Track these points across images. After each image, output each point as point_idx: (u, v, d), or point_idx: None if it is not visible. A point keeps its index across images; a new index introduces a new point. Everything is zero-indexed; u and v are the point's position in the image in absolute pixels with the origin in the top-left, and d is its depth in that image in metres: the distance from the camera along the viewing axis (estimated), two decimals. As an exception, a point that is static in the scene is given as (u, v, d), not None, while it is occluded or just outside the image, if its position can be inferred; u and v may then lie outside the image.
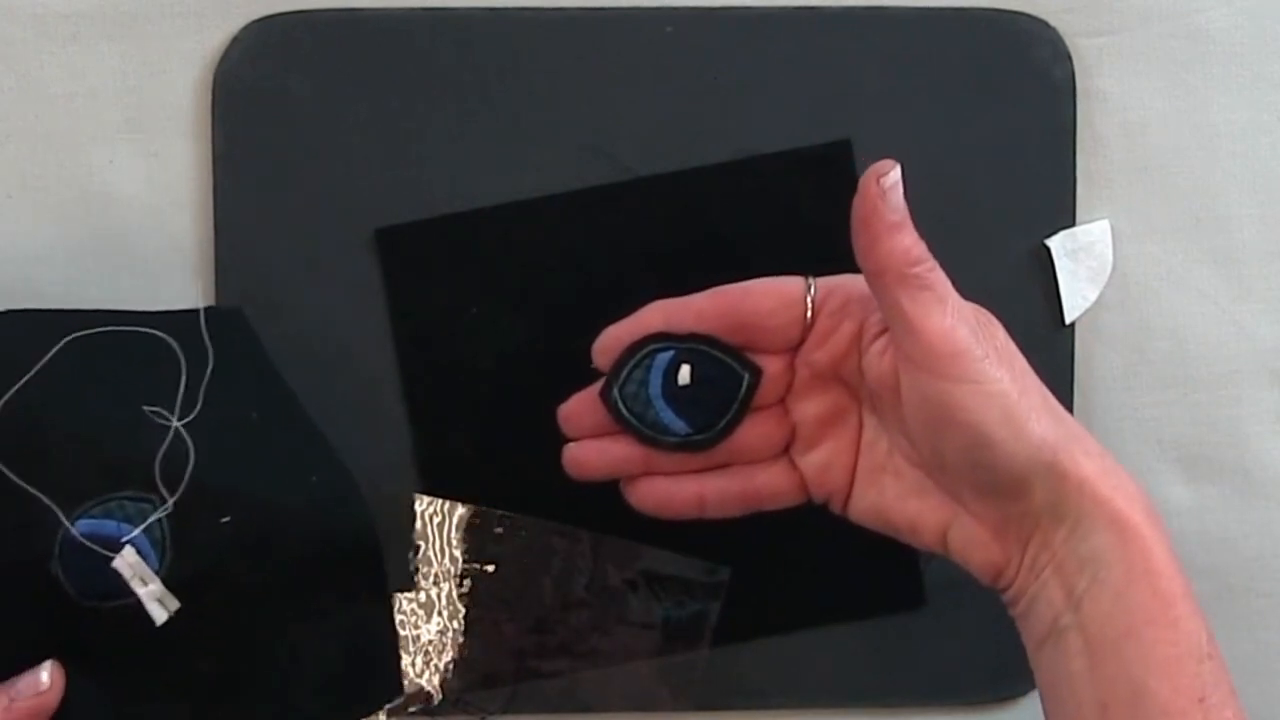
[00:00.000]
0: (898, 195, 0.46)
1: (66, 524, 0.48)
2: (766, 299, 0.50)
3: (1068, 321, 0.57)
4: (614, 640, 0.56)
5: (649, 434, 0.50)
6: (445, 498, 0.55)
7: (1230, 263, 0.57)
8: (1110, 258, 0.57)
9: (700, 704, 0.56)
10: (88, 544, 0.48)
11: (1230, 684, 0.45)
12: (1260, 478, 0.58)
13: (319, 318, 0.55)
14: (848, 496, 0.50)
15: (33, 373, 0.49)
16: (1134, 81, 0.57)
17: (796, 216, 0.55)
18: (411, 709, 0.55)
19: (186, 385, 0.51)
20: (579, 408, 0.51)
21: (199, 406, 0.50)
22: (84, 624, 0.49)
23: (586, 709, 0.56)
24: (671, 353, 0.50)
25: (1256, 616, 0.58)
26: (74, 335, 0.50)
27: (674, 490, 0.51)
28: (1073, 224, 0.57)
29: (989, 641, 0.56)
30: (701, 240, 0.55)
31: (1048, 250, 0.56)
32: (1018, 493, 0.46)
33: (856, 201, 0.46)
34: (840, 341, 0.49)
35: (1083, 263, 0.56)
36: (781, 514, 0.52)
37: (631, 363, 0.50)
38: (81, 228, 0.55)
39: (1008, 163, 0.56)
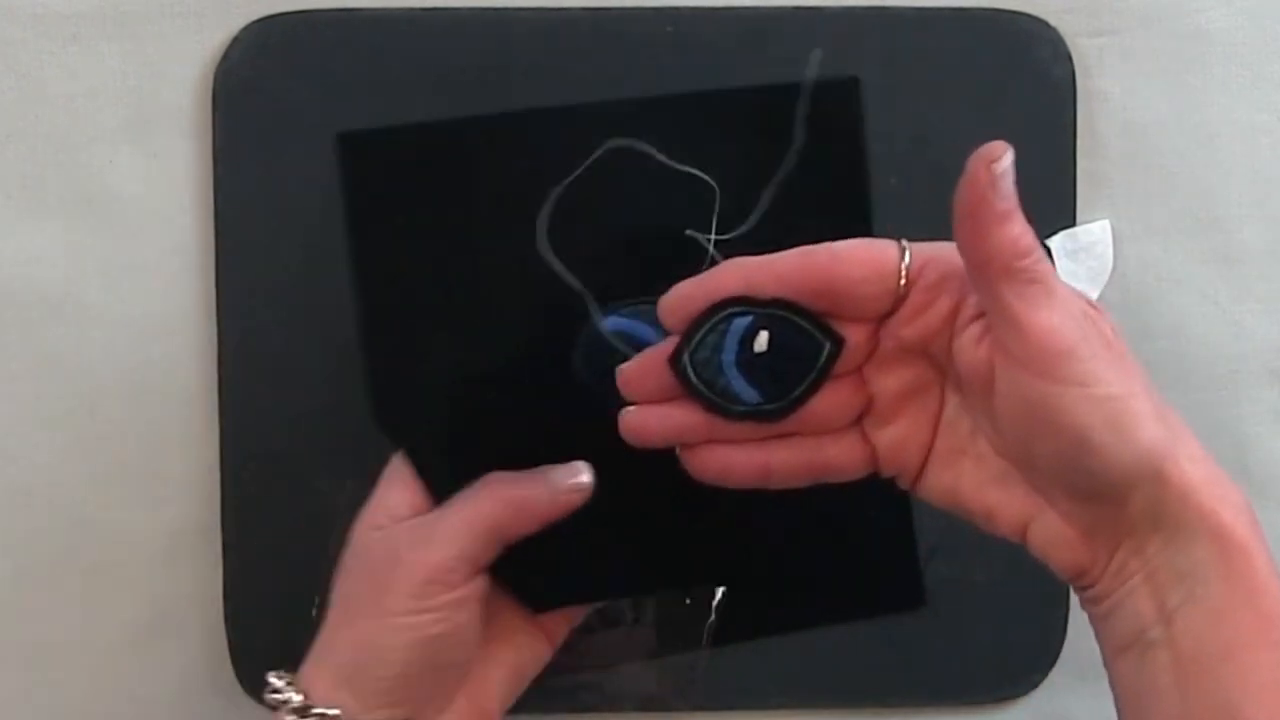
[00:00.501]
0: (1009, 182, 0.42)
1: (598, 316, 0.49)
2: (858, 266, 0.45)
3: (1068, 321, 0.56)
4: (614, 640, 0.56)
5: (718, 402, 0.47)
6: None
7: (1230, 263, 0.57)
8: (1110, 258, 0.57)
9: (700, 704, 0.56)
10: (613, 339, 0.48)
11: None
12: (1260, 478, 0.58)
13: (319, 318, 0.55)
14: (919, 475, 0.47)
15: (579, 171, 0.50)
16: (1134, 81, 0.57)
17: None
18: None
19: (720, 214, 0.50)
20: (642, 370, 0.47)
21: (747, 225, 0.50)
22: (592, 429, 0.48)
23: (587, 709, 0.56)
24: (750, 318, 0.46)
25: (1256, 616, 0.58)
26: (615, 144, 0.50)
27: (739, 459, 0.47)
28: (1073, 224, 0.57)
29: (989, 641, 0.56)
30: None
31: (1048, 250, 0.56)
32: (1116, 499, 0.43)
33: (963, 188, 0.42)
34: (934, 319, 0.46)
35: (1083, 263, 0.56)
36: (781, 515, 0.51)
37: (706, 327, 0.46)
38: (81, 228, 0.55)
39: (1008, 163, 0.56)
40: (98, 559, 0.56)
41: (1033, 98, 0.56)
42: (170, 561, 0.56)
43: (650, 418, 0.47)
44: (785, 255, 0.46)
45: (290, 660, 0.55)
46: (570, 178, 0.50)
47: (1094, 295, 0.57)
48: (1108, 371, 0.42)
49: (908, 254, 0.45)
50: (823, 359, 0.46)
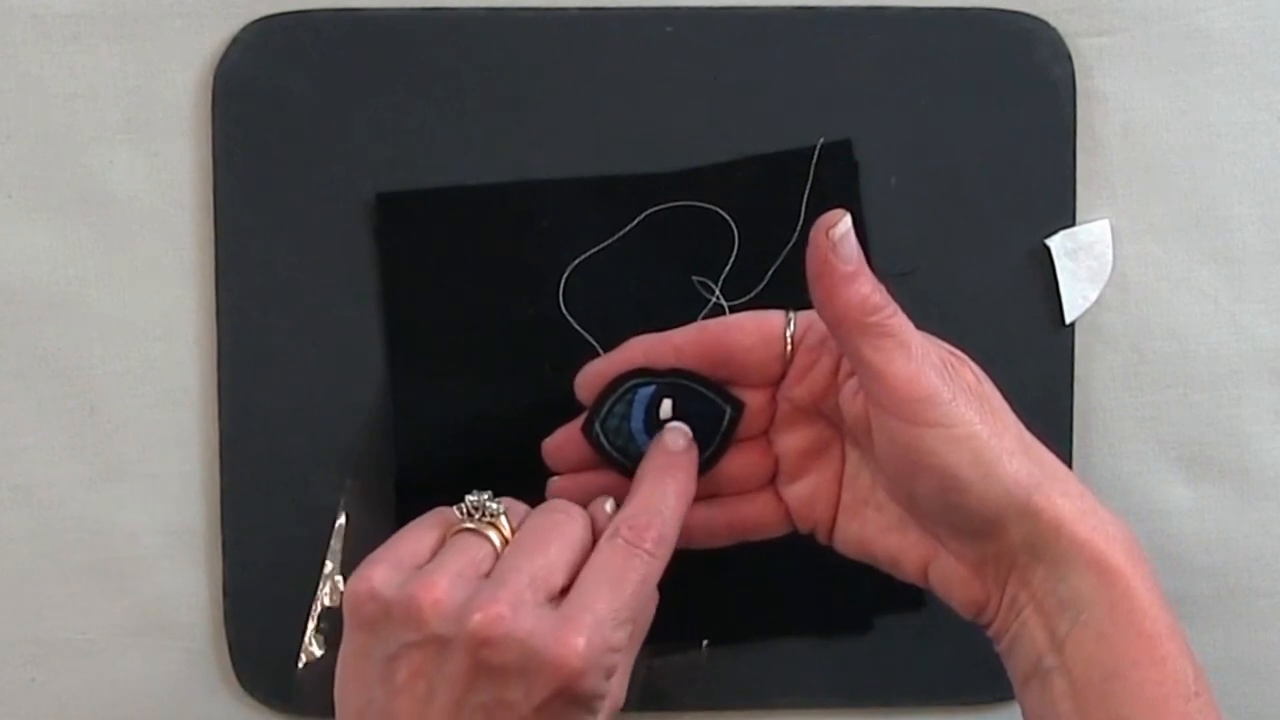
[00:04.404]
0: (849, 245, 0.45)
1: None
2: (746, 335, 0.49)
3: (1068, 321, 0.57)
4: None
5: (631, 467, 0.50)
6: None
7: (1230, 263, 0.57)
8: (1110, 258, 0.57)
9: (700, 704, 0.56)
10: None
11: (1219, 718, 0.45)
12: (1260, 478, 0.58)
13: (319, 318, 0.55)
14: (832, 528, 0.50)
15: (609, 241, 0.54)
16: (1134, 81, 0.57)
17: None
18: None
19: (737, 258, 0.54)
20: (562, 442, 0.51)
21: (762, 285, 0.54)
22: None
23: (586, 709, 0.56)
24: (653, 388, 0.50)
25: (1256, 616, 0.58)
26: (651, 210, 0.55)
27: None
28: (1073, 224, 0.56)
29: (989, 641, 0.56)
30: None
31: (1048, 250, 0.56)
32: (992, 533, 0.46)
33: (808, 254, 0.46)
34: (818, 378, 0.49)
35: (1083, 263, 0.56)
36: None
37: (613, 398, 0.50)
38: (81, 228, 0.55)
39: (1008, 163, 0.56)
40: (97, 559, 0.56)
41: (1033, 98, 0.56)
42: (170, 561, 0.56)
43: (572, 485, 0.51)
44: (683, 329, 0.51)
45: (288, 659, 0.55)
46: (601, 245, 0.55)
47: (1094, 295, 0.57)
48: (968, 412, 0.45)
49: (792, 321, 0.49)
50: (725, 423, 0.50)
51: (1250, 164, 0.57)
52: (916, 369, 0.45)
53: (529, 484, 0.53)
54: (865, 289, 0.45)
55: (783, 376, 0.50)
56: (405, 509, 0.55)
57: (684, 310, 0.54)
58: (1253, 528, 0.58)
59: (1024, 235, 0.56)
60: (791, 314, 0.49)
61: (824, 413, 0.50)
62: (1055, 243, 0.56)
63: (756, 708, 0.57)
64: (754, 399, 0.50)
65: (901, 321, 0.46)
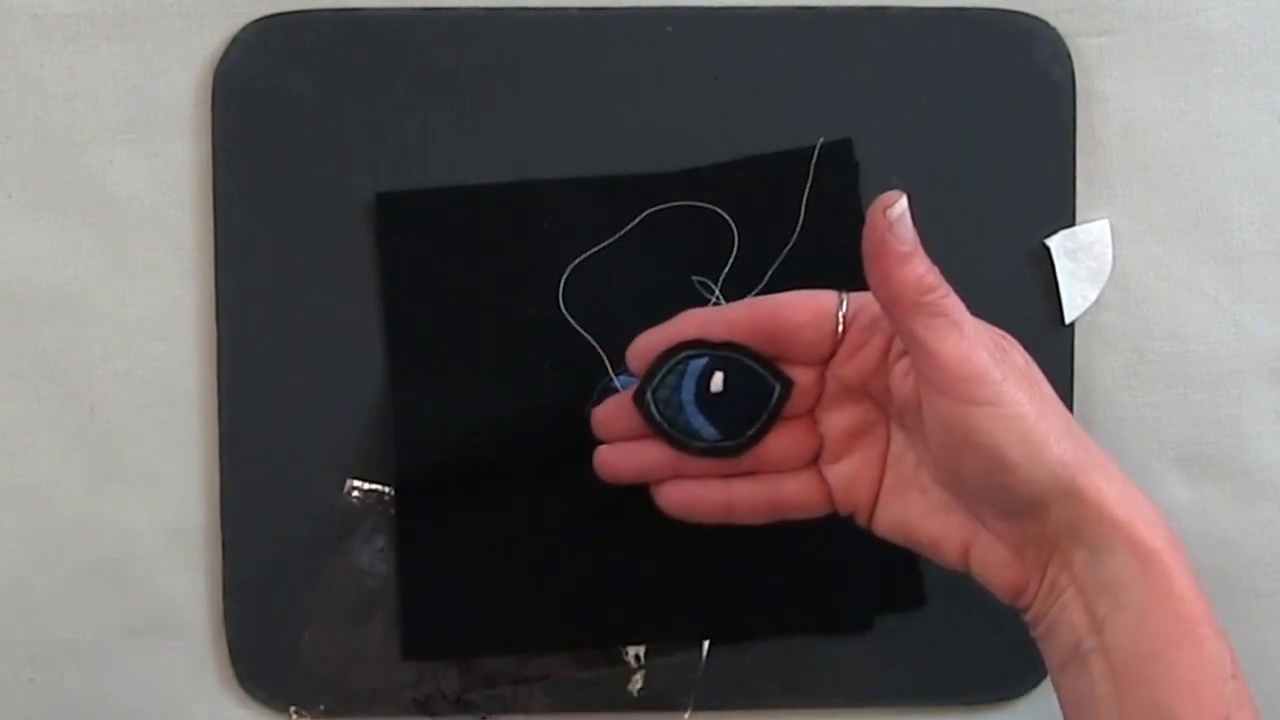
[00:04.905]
0: (906, 225, 0.46)
1: (611, 374, 0.53)
2: (799, 312, 0.50)
3: (1068, 321, 0.57)
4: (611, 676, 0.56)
5: (679, 438, 0.50)
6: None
7: (1230, 263, 0.57)
8: (1110, 258, 0.57)
9: (700, 704, 0.56)
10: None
11: (1253, 702, 0.45)
12: (1260, 478, 0.58)
13: (319, 318, 0.55)
14: (873, 510, 0.51)
15: (609, 241, 0.55)
16: (1134, 81, 0.57)
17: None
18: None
19: (737, 258, 0.54)
20: (611, 412, 0.52)
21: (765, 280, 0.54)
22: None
23: (586, 709, 0.56)
24: (705, 360, 0.50)
25: (1256, 616, 0.58)
26: (651, 210, 0.55)
27: (701, 494, 0.51)
28: (1073, 224, 0.57)
29: (989, 641, 0.56)
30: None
31: (1048, 250, 0.56)
32: (1036, 514, 0.46)
33: (865, 234, 0.46)
34: (868, 358, 0.49)
35: (1083, 263, 0.56)
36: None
37: (665, 368, 0.50)
38: (81, 228, 0.55)
39: (1008, 163, 0.56)
40: (98, 558, 0.56)
41: (1033, 98, 0.56)
42: (170, 561, 0.56)
43: (620, 455, 0.52)
44: (736, 304, 0.51)
45: (288, 659, 0.55)
46: (601, 245, 0.55)
47: (1093, 295, 0.57)
48: (1017, 393, 0.45)
49: (845, 301, 0.50)
50: (774, 400, 0.50)
51: (1250, 164, 0.57)
52: (969, 348, 0.45)
53: (528, 483, 0.53)
54: (920, 269, 0.46)
55: (832, 355, 0.50)
56: (405, 509, 0.55)
57: (684, 310, 0.54)
58: (1253, 528, 0.58)
59: (1024, 235, 0.56)
60: (844, 294, 0.50)
61: (871, 393, 0.50)
62: (1055, 243, 0.56)
63: (756, 708, 0.57)
64: (802, 377, 0.50)
65: (954, 302, 0.46)
